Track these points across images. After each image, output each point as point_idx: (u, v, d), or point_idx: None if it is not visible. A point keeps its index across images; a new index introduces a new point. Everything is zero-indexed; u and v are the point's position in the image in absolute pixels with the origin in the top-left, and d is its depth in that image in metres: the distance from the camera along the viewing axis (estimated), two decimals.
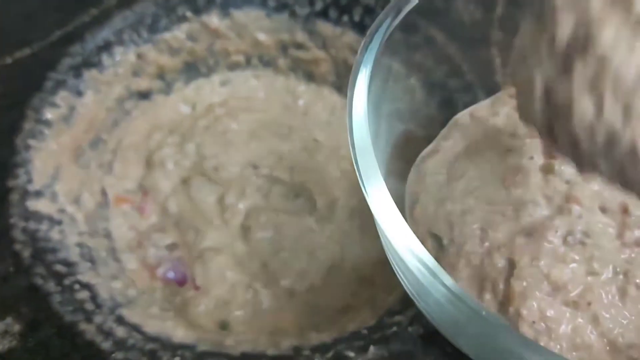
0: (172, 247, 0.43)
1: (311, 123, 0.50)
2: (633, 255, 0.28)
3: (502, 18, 0.40)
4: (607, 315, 0.27)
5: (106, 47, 0.45)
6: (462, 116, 0.36)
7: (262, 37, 0.50)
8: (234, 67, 0.51)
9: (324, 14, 0.48)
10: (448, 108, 0.39)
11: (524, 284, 0.27)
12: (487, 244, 0.28)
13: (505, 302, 0.27)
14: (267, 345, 0.34)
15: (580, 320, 0.27)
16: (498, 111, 0.35)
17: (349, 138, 0.27)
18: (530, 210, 0.29)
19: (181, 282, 0.42)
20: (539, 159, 0.31)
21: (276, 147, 0.48)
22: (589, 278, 0.27)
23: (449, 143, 0.34)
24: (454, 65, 0.43)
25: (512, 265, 0.28)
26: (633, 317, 0.27)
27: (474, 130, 0.34)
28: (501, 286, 0.27)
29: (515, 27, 0.40)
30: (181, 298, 0.41)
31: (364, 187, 0.26)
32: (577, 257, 0.28)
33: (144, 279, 0.41)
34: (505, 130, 0.34)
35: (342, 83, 0.50)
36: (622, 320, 0.27)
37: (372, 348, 0.33)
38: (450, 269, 0.29)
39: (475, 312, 0.23)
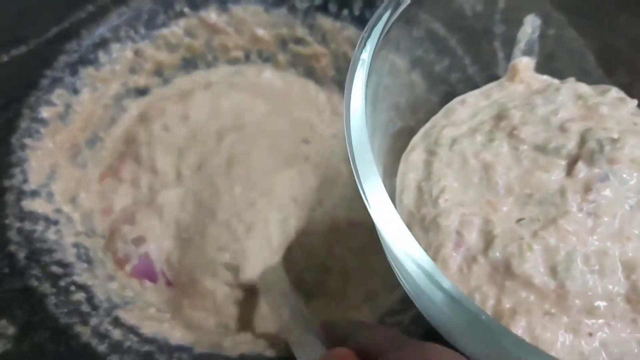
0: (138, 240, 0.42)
1: None
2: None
3: (504, 10, 0.39)
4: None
5: (102, 44, 0.45)
6: (454, 103, 0.35)
7: (261, 32, 0.49)
8: (233, 62, 0.51)
9: (323, 8, 0.48)
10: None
11: (514, 302, 0.26)
12: (462, 248, 0.28)
13: (495, 317, 0.27)
14: (265, 346, 0.34)
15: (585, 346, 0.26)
16: (490, 95, 0.34)
17: (346, 137, 0.26)
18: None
19: (152, 278, 0.41)
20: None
21: None
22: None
23: (434, 132, 0.34)
24: (455, 59, 0.43)
25: (499, 277, 0.27)
26: None
27: (462, 117, 0.34)
28: (491, 302, 0.27)
29: (518, 20, 0.39)
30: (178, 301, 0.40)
31: (362, 189, 0.25)
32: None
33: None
34: (494, 115, 0.33)
35: (342, 78, 0.50)
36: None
37: None
38: None
39: (474, 316, 0.23)
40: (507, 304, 0.27)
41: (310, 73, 0.51)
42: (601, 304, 0.27)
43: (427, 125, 0.35)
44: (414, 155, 0.33)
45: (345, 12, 0.47)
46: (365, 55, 0.28)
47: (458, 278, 0.29)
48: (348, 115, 0.27)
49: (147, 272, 0.41)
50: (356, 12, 0.47)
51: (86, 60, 0.44)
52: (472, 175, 0.31)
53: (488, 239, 0.28)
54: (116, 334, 0.33)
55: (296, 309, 0.34)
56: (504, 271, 0.28)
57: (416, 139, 0.35)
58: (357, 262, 0.42)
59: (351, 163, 0.26)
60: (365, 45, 0.28)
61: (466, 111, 0.35)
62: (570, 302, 0.27)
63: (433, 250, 0.29)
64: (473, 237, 0.29)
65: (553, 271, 0.27)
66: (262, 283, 0.38)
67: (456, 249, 0.29)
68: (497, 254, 0.28)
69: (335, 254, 0.42)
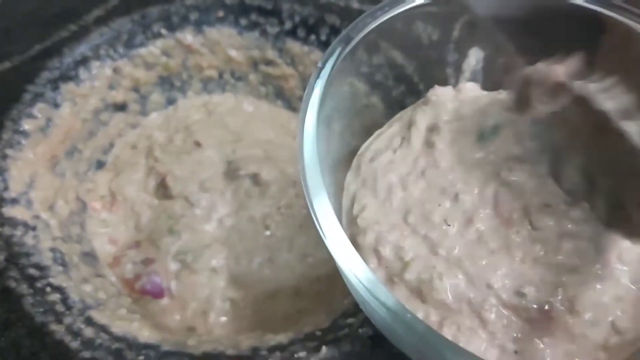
0: (147, 261, 0.45)
1: None
2: None
3: (457, 40, 0.43)
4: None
5: (83, 61, 0.47)
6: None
7: (234, 53, 0.52)
8: (207, 81, 0.54)
9: (293, 33, 0.51)
10: None
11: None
12: (383, 265, 0.31)
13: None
14: (227, 346, 0.37)
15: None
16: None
17: (299, 158, 0.30)
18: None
19: (159, 294, 0.44)
20: None
21: None
22: None
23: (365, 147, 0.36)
24: (412, 85, 0.46)
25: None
26: None
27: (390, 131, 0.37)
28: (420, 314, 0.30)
29: (468, 49, 0.43)
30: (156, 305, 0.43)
31: (312, 207, 0.28)
32: None
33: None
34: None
35: None
36: None
37: (324, 348, 0.35)
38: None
39: (409, 325, 0.26)
40: (433, 318, 0.30)
41: (279, 92, 0.54)
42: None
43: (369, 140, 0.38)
44: (349, 174, 0.36)
45: (313, 37, 0.51)
46: (318, 85, 0.31)
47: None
48: (301, 139, 0.30)
49: (154, 290, 0.44)
50: (322, 37, 0.51)
51: (67, 76, 0.46)
52: (379, 193, 0.33)
53: (403, 263, 0.31)
54: (88, 332, 0.36)
55: None
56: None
57: (356, 157, 0.37)
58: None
59: (302, 184, 0.29)
60: (318, 76, 0.32)
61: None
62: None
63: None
64: (389, 255, 0.31)
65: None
66: None
67: (379, 265, 0.32)
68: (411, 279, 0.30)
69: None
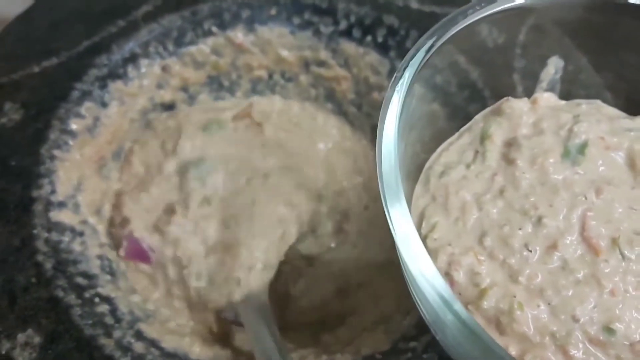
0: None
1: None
2: None
3: (524, 45, 0.40)
4: None
5: (132, 58, 0.46)
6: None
7: (285, 53, 0.50)
8: (256, 82, 0.52)
9: (348, 34, 0.49)
10: None
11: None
12: (455, 290, 0.28)
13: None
14: None
15: None
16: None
17: (377, 170, 0.28)
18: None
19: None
20: None
21: None
22: None
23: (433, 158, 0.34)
24: (475, 91, 0.44)
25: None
26: None
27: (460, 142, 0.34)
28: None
29: (537, 55, 0.40)
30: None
31: (388, 212, 0.26)
32: None
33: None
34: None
35: (361, 101, 0.51)
36: None
37: None
38: None
39: (490, 349, 0.23)
40: (512, 351, 0.28)
41: (329, 95, 0.52)
42: None
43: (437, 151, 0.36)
44: (417, 187, 0.34)
45: (369, 38, 0.48)
46: (398, 96, 0.29)
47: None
48: (380, 145, 0.28)
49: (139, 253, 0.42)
50: (379, 39, 0.48)
51: (115, 74, 0.45)
52: (451, 212, 0.31)
53: (478, 290, 0.28)
54: (138, 347, 0.34)
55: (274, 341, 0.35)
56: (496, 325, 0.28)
57: (425, 169, 0.35)
58: (370, 285, 0.43)
59: (380, 188, 0.27)
60: (397, 85, 0.30)
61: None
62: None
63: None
64: (463, 281, 0.29)
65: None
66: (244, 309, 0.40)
67: (452, 289, 0.29)
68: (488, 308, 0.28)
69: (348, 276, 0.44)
